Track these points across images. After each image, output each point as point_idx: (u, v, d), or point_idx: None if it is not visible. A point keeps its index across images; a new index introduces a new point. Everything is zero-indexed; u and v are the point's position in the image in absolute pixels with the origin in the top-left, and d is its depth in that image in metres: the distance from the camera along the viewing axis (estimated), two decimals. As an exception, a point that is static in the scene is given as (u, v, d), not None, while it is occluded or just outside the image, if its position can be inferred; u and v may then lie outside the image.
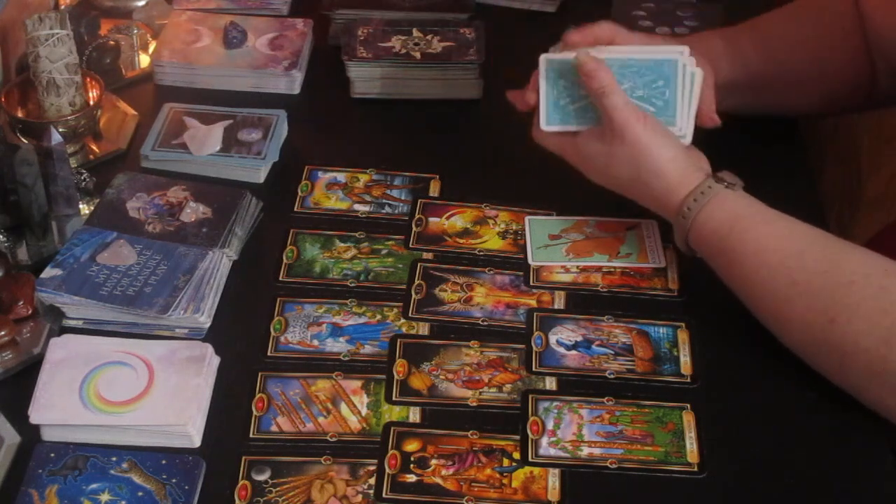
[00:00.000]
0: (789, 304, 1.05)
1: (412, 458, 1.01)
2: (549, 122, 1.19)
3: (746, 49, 1.29)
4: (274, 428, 1.04)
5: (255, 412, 1.05)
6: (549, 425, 1.04)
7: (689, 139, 1.18)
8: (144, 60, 1.49)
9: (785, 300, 1.05)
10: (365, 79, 1.43)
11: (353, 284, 1.18)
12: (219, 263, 1.16)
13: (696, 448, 1.03)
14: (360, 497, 0.99)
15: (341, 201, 1.28)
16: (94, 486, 0.97)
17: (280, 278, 1.18)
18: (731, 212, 1.10)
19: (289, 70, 1.43)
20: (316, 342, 1.12)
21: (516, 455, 1.02)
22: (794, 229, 1.09)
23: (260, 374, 1.08)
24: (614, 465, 1.01)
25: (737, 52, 1.28)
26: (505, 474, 1.01)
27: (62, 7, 1.49)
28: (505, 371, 1.09)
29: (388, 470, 1.00)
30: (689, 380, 1.09)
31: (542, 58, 1.18)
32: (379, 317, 1.14)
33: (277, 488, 0.99)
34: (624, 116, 1.13)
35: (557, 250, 1.21)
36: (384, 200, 1.28)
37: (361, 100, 1.44)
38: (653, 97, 1.17)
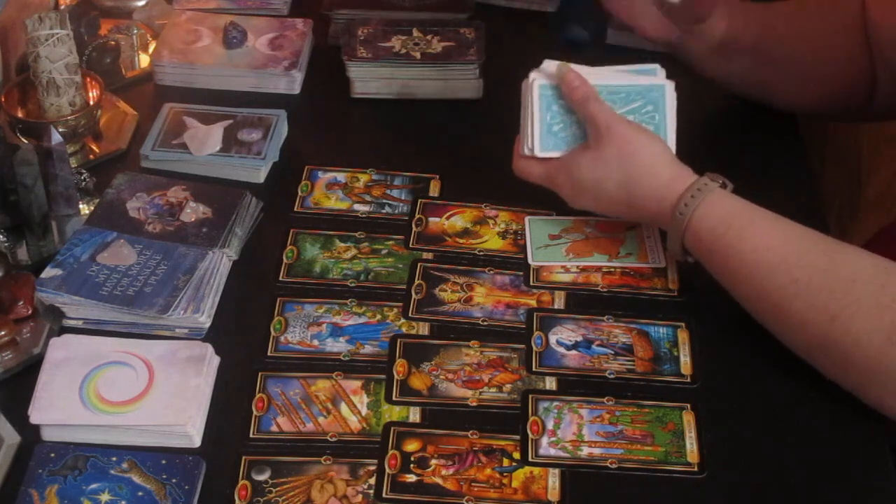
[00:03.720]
0: (790, 302, 1.05)
1: (412, 458, 1.01)
2: (543, 148, 1.19)
3: (749, 19, 1.29)
4: (274, 428, 1.04)
5: (255, 412, 1.05)
6: (549, 425, 1.04)
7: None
8: (144, 60, 1.49)
9: (785, 298, 1.05)
10: (365, 79, 1.43)
11: (353, 284, 1.18)
12: (219, 263, 1.16)
13: (696, 448, 1.03)
14: (360, 497, 0.99)
15: (341, 201, 1.28)
16: (94, 486, 0.97)
17: (280, 278, 1.18)
18: (728, 209, 1.10)
19: (289, 70, 1.43)
20: (316, 342, 1.12)
21: (516, 455, 1.02)
22: (793, 228, 1.09)
23: (260, 374, 1.08)
24: (614, 465, 1.01)
25: (738, 17, 1.29)
26: (505, 474, 1.01)
27: (62, 7, 1.49)
28: (505, 371, 1.09)
29: (388, 470, 1.00)
30: (689, 380, 1.09)
31: (536, 83, 1.18)
32: (379, 317, 1.14)
33: (277, 488, 0.99)
34: (609, 117, 1.14)
35: (557, 250, 1.21)
36: (384, 200, 1.28)
37: (361, 100, 1.44)
38: (643, 122, 1.17)
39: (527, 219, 1.25)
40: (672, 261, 1.19)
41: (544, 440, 1.03)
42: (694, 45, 1.29)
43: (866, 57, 1.28)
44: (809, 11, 1.32)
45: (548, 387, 1.08)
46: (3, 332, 1.08)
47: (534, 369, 1.09)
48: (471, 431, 1.04)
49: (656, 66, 1.21)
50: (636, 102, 1.18)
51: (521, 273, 1.19)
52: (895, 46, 1.24)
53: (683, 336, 1.13)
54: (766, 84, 1.33)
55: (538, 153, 1.19)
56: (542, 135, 1.19)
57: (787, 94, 1.34)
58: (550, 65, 1.19)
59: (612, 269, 1.20)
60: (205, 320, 1.11)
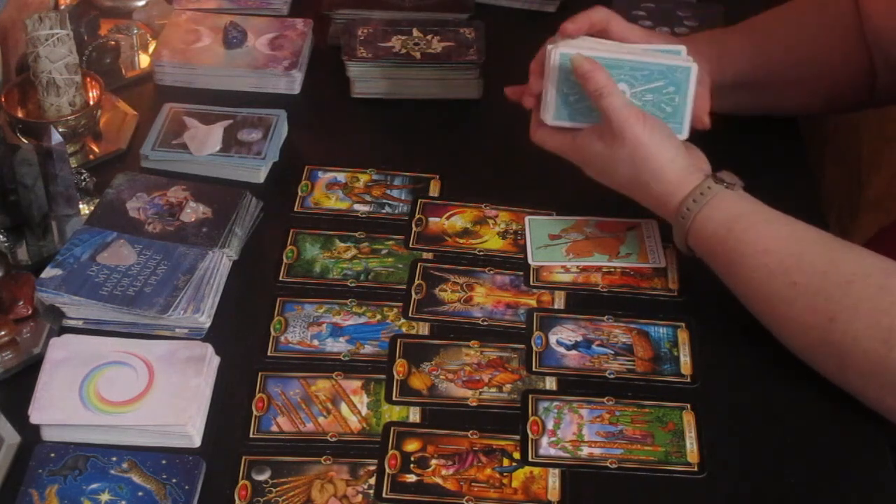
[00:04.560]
0: (788, 305, 1.05)
1: (412, 458, 1.01)
2: (556, 117, 1.18)
3: (737, 52, 1.28)
4: (274, 428, 1.04)
5: (255, 412, 1.05)
6: (549, 425, 1.04)
7: (686, 136, 1.18)
8: (144, 60, 1.48)
9: (784, 301, 1.05)
10: (365, 79, 1.43)
11: (353, 284, 1.18)
12: (219, 263, 1.16)
13: (696, 448, 1.03)
14: (360, 497, 0.99)
15: (341, 201, 1.28)
16: (94, 486, 0.97)
17: (280, 278, 1.18)
18: (729, 212, 1.10)
19: (289, 70, 1.43)
20: (316, 342, 1.12)
21: (516, 455, 1.02)
22: (794, 229, 1.09)
23: (260, 374, 1.08)
24: (614, 465, 1.01)
25: (726, 55, 1.27)
26: (505, 474, 1.01)
27: (62, 7, 1.49)
28: (505, 371, 1.09)
29: (388, 470, 1.00)
30: (689, 380, 1.09)
31: (555, 51, 1.17)
32: (379, 317, 1.14)
33: (277, 488, 0.99)
34: (623, 117, 1.13)
35: (557, 250, 1.21)
36: (384, 200, 1.28)
37: (361, 100, 1.44)
38: (661, 102, 1.17)
39: (527, 219, 1.25)
40: (672, 261, 1.19)
41: (544, 440, 1.03)
42: None
43: (864, 54, 1.28)
44: (800, 18, 1.32)
45: (548, 387, 1.08)
46: (3, 332, 1.09)
47: (534, 369, 1.09)
48: (471, 431, 1.04)
49: (682, 48, 1.20)
50: (658, 82, 1.17)
51: (521, 273, 1.19)
52: (893, 40, 1.24)
53: (683, 336, 1.13)
54: (768, 101, 1.32)
55: (550, 122, 1.18)
56: (556, 105, 1.18)
57: (789, 101, 1.33)
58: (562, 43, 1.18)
59: (612, 269, 1.20)
60: (205, 320, 1.11)
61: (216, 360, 1.08)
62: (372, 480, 1.00)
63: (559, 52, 1.17)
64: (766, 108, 1.33)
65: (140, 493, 0.97)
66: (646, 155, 1.13)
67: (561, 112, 1.18)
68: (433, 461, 1.01)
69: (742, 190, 1.12)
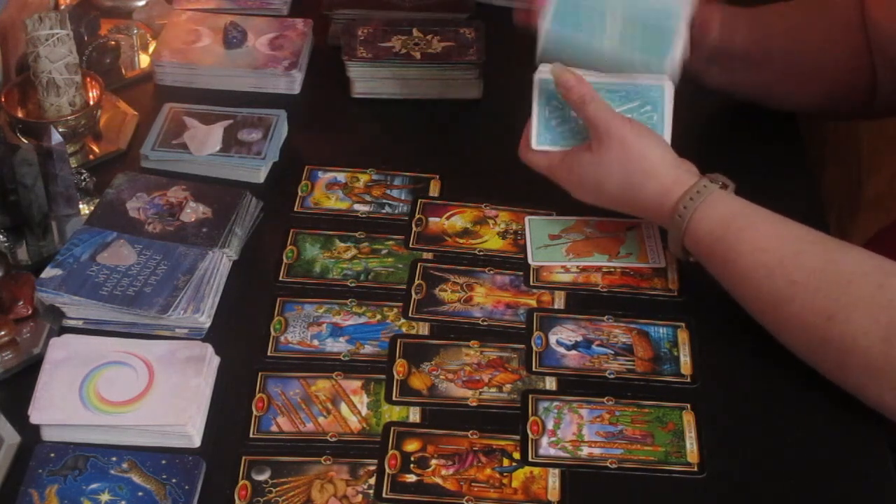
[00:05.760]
0: (787, 304, 1.05)
1: (412, 458, 1.01)
2: (539, 142, 1.19)
3: (740, 22, 1.28)
4: (274, 428, 1.04)
5: (255, 412, 1.05)
6: (549, 425, 1.04)
7: None
8: (144, 60, 1.48)
9: (783, 300, 1.05)
10: (365, 79, 1.43)
11: (353, 284, 1.18)
12: (219, 263, 1.16)
13: (696, 448, 1.03)
14: (360, 497, 0.99)
15: (341, 201, 1.28)
16: (94, 486, 0.97)
17: (280, 278, 1.18)
18: (726, 211, 1.10)
19: (289, 70, 1.43)
20: (316, 342, 1.12)
21: (516, 455, 1.02)
22: (791, 229, 1.09)
23: (260, 374, 1.08)
24: (614, 465, 1.01)
25: (728, 22, 1.28)
26: (505, 474, 1.01)
27: (62, 7, 1.49)
28: (505, 371, 1.09)
29: (388, 470, 1.00)
30: (689, 380, 1.09)
31: (536, 77, 1.18)
32: (379, 317, 1.14)
33: (277, 488, 0.99)
34: (608, 120, 1.13)
35: (557, 250, 1.22)
36: (384, 200, 1.28)
37: (361, 100, 1.44)
38: (641, 120, 1.17)
39: (527, 219, 1.25)
40: (672, 261, 1.19)
41: (544, 440, 1.03)
42: (689, 58, 1.28)
43: (866, 53, 1.28)
44: (805, 9, 1.32)
45: (548, 387, 1.08)
46: (3, 332, 1.09)
47: (534, 369, 1.09)
48: (471, 431, 1.04)
49: (665, 79, 1.20)
50: (634, 102, 1.18)
51: (521, 273, 1.19)
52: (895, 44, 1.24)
53: (683, 336, 1.13)
54: (767, 86, 1.33)
55: (534, 147, 1.19)
56: (538, 130, 1.19)
57: (788, 95, 1.34)
58: (546, 67, 1.19)
59: (612, 269, 1.20)
60: (205, 320, 1.11)
61: (216, 360, 1.08)
62: (372, 480, 1.00)
63: (540, 77, 1.18)
64: (765, 89, 1.33)
65: (140, 493, 0.97)
66: (636, 155, 1.13)
67: (543, 137, 1.19)
68: (433, 461, 1.01)
69: (734, 192, 1.12)
